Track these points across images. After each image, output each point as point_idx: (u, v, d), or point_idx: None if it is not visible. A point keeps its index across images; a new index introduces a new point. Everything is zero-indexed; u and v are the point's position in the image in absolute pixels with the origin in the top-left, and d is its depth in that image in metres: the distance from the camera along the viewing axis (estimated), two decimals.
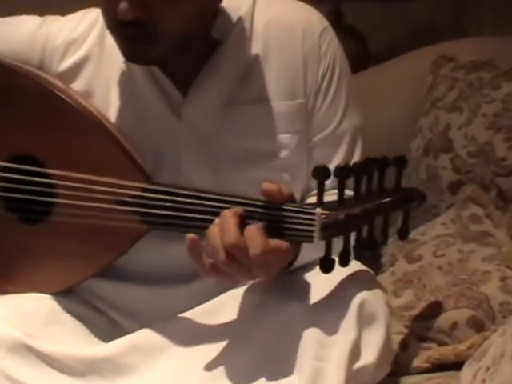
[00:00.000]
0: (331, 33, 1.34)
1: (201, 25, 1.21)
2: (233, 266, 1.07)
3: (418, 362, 1.34)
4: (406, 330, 1.37)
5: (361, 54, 2.40)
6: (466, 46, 1.85)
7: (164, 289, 1.29)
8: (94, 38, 1.31)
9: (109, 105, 1.29)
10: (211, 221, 1.10)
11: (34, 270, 1.28)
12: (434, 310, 1.37)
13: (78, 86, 1.30)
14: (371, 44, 2.46)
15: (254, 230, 1.06)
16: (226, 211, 1.08)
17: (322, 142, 1.33)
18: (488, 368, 1.06)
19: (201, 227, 1.12)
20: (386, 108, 1.89)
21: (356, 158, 1.34)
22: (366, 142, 1.81)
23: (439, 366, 1.33)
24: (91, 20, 1.32)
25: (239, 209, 1.08)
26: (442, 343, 1.35)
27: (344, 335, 1.13)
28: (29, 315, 1.22)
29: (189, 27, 1.17)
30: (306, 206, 1.09)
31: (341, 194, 1.09)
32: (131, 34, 1.15)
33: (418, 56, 1.92)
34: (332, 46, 1.33)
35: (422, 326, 1.37)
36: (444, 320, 1.35)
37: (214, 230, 1.08)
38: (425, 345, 1.35)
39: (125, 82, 1.29)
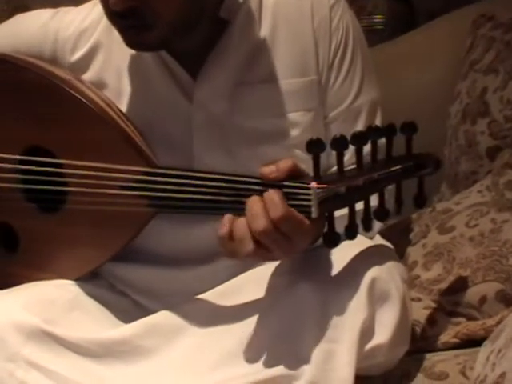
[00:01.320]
0: (343, 5, 1.32)
1: (195, 6, 1.20)
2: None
3: (447, 337, 1.31)
4: (434, 305, 1.35)
5: (407, 15, 2.35)
6: (507, 3, 1.78)
7: (185, 270, 1.32)
8: (104, 27, 1.33)
9: (121, 92, 1.31)
10: (214, 201, 1.12)
11: (56, 257, 1.32)
12: (463, 283, 1.34)
13: (89, 75, 1.33)
14: (419, 5, 2.40)
15: (274, 194, 1.07)
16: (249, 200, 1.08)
17: (338, 117, 1.32)
18: (500, 351, 1.03)
19: (205, 208, 1.14)
20: (427, 71, 1.86)
21: None
22: (405, 107, 1.79)
23: (468, 342, 1.30)
24: (101, 9, 1.33)
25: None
26: (471, 318, 1.33)
27: (354, 315, 1.12)
28: (49, 302, 1.25)
29: (182, 9, 1.17)
30: (302, 181, 1.08)
31: (340, 165, 1.08)
32: (125, 23, 1.18)
33: (459, 15, 1.87)
34: (344, 18, 1.31)
35: (450, 300, 1.35)
36: (472, 294, 1.33)
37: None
38: (453, 320, 1.33)
39: (135, 68, 1.31)
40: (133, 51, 1.29)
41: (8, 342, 1.19)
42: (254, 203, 1.08)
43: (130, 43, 1.21)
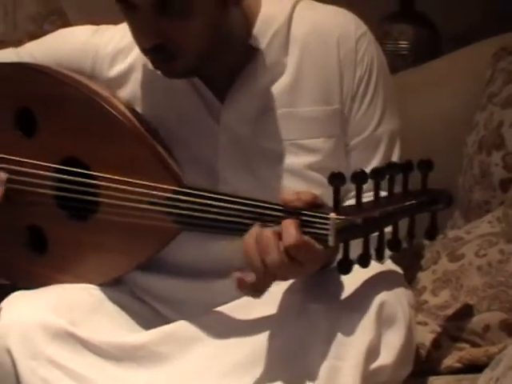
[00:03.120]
0: (369, 37, 1.39)
1: (218, 36, 1.29)
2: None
3: (450, 361, 1.38)
4: (439, 329, 1.42)
5: (432, 41, 2.41)
6: None
7: (204, 282, 1.40)
8: None
9: (153, 111, 1.40)
10: (236, 222, 1.20)
11: (82, 263, 1.41)
12: (469, 311, 1.41)
13: (124, 92, 1.42)
14: (443, 31, 2.47)
15: (289, 222, 1.14)
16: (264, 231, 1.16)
17: (359, 145, 1.39)
18: (497, 379, 1.10)
19: (227, 229, 1.22)
20: (448, 99, 1.91)
21: (394, 160, 1.39)
22: (425, 132, 1.85)
23: (470, 367, 1.37)
24: None
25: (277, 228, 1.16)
26: (474, 344, 1.39)
27: (362, 335, 1.19)
28: (75, 304, 1.34)
29: (204, 41, 1.27)
30: (321, 212, 1.16)
31: (358, 198, 1.16)
32: (154, 56, 1.29)
33: (481, 47, 1.93)
34: (369, 51, 1.38)
35: (455, 326, 1.41)
36: (477, 322, 1.39)
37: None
38: (457, 345, 1.40)
39: (167, 88, 1.39)
40: None
41: (33, 340, 1.27)
42: (266, 234, 1.15)
43: (162, 72, 1.32)
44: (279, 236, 1.15)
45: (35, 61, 1.47)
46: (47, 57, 1.47)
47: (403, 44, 2.41)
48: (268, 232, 1.15)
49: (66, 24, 2.88)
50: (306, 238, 1.14)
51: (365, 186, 1.17)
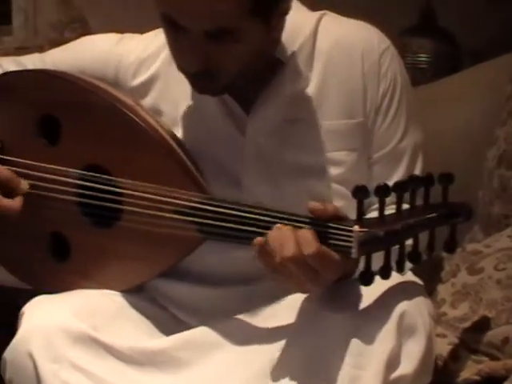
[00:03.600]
0: (392, 52, 1.41)
1: (259, 57, 1.32)
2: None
3: (468, 373, 1.39)
4: (458, 342, 1.43)
5: (452, 55, 2.43)
6: None
7: (224, 290, 1.41)
8: (164, 57, 1.43)
9: (176, 121, 1.42)
10: (260, 233, 1.22)
11: (105, 269, 1.42)
12: (488, 324, 1.42)
13: (147, 102, 1.44)
14: (463, 45, 2.48)
15: (307, 232, 1.17)
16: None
17: (382, 159, 1.41)
18: None
19: (251, 239, 1.22)
20: (466, 115, 1.93)
21: (417, 174, 1.39)
22: (446, 145, 1.87)
23: (488, 380, 1.38)
24: (163, 40, 1.42)
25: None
26: (493, 357, 1.40)
27: (382, 345, 1.21)
28: (97, 310, 1.36)
29: (246, 63, 1.29)
30: (345, 224, 1.18)
31: (381, 211, 1.18)
32: (195, 78, 1.31)
33: (501, 62, 1.95)
34: (393, 65, 1.40)
35: (474, 338, 1.42)
36: (496, 335, 1.41)
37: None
38: (476, 357, 1.41)
39: (192, 99, 1.41)
40: (187, 83, 1.37)
41: (55, 344, 1.28)
42: (285, 229, 1.18)
43: (199, 90, 1.34)
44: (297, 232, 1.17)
45: (59, 67, 1.48)
46: (71, 64, 1.49)
47: (422, 57, 2.43)
48: (286, 228, 1.18)
49: (87, 32, 2.91)
50: (324, 247, 1.16)
51: (387, 199, 1.19)
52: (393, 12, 2.46)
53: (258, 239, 1.19)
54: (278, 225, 1.20)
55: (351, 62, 1.38)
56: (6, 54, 2.83)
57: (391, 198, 1.21)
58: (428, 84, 2.12)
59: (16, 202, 1.39)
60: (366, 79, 1.38)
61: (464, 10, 2.50)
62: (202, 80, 1.31)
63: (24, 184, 1.41)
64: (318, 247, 1.16)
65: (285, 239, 1.17)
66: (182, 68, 1.32)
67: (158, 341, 1.35)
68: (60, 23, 2.94)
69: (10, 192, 1.40)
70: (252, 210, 1.25)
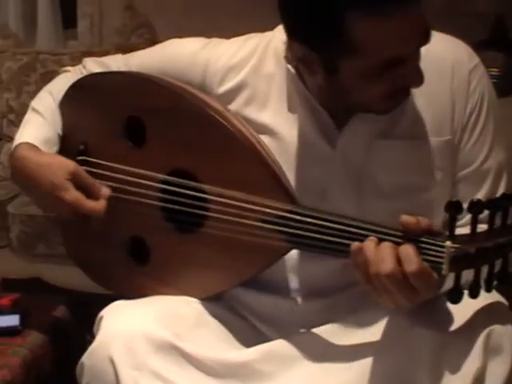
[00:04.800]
0: (481, 69, 1.41)
1: None
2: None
3: None
4: None
5: None
6: None
7: (304, 302, 1.42)
8: (252, 65, 1.43)
9: (262, 129, 1.41)
10: (348, 245, 1.22)
11: (185, 275, 1.44)
12: None
13: (233, 108, 1.43)
14: None
15: (409, 248, 1.17)
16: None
17: (466, 177, 1.40)
18: None
19: (340, 251, 1.24)
20: None
21: (500, 192, 1.39)
22: None
23: None
24: (252, 47, 1.44)
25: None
26: None
27: (468, 364, 1.22)
28: (178, 317, 1.37)
29: None
30: (438, 239, 1.18)
31: (473, 228, 1.18)
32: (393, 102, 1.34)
33: None
34: (481, 83, 1.39)
35: None
36: None
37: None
38: None
39: (281, 110, 1.41)
40: (277, 92, 1.40)
41: (137, 351, 1.30)
42: (384, 246, 1.18)
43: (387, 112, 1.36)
44: (397, 251, 1.17)
45: (144, 70, 1.49)
46: (157, 66, 1.49)
47: (494, 72, 2.42)
48: (387, 243, 1.18)
49: (154, 37, 2.98)
50: (426, 265, 1.16)
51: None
52: (464, 25, 2.46)
53: (356, 244, 1.20)
54: (371, 237, 1.20)
55: (440, 76, 1.38)
56: (73, 57, 2.91)
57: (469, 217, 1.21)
58: (500, 99, 2.11)
59: (100, 204, 1.42)
60: (454, 96, 1.38)
61: None
62: (394, 103, 1.33)
63: (106, 190, 1.43)
64: (420, 265, 1.16)
65: (384, 254, 1.18)
66: (376, 107, 1.33)
67: (240, 353, 1.36)
68: (125, 28, 2.99)
69: (91, 197, 1.42)
70: (343, 220, 1.25)
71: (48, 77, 2.49)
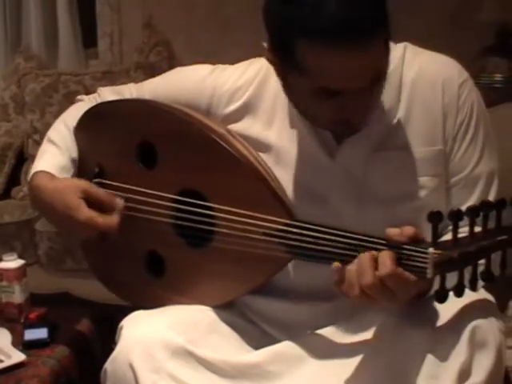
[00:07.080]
0: (470, 84, 1.53)
1: None
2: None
3: None
4: None
5: None
6: None
7: (309, 306, 1.55)
8: (256, 86, 1.57)
9: (266, 146, 1.55)
10: (341, 254, 1.36)
11: (198, 286, 1.57)
12: None
13: (238, 127, 1.57)
14: None
15: (386, 254, 1.30)
16: (362, 255, 1.33)
17: (458, 183, 1.52)
18: None
19: (334, 259, 1.36)
20: None
21: (491, 198, 1.50)
22: None
23: None
24: (255, 70, 1.58)
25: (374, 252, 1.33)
26: None
27: (455, 356, 1.34)
28: (192, 324, 1.49)
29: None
30: (421, 246, 1.31)
31: (454, 234, 1.31)
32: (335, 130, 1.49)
33: None
34: (470, 96, 1.52)
35: None
36: None
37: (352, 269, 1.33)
38: None
39: (284, 127, 1.54)
40: (278, 111, 1.54)
41: (155, 356, 1.42)
42: (364, 259, 1.32)
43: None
44: (375, 261, 1.30)
45: (155, 97, 1.62)
46: (166, 93, 1.62)
47: (498, 77, 2.50)
48: (366, 256, 1.31)
49: (172, 55, 3.04)
50: (400, 269, 1.29)
51: (461, 223, 1.31)
52: (469, 32, 2.57)
53: (336, 265, 1.33)
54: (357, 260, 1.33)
55: (433, 93, 1.50)
56: (94, 78, 3.04)
57: (465, 222, 1.32)
58: (504, 104, 2.20)
59: (113, 219, 1.52)
60: (445, 109, 1.50)
61: None
62: (340, 129, 1.46)
63: (119, 201, 1.54)
64: (392, 269, 1.28)
65: (364, 268, 1.30)
66: (323, 125, 1.46)
67: (250, 355, 1.48)
68: (145, 46, 3.07)
69: (107, 211, 1.53)
70: (335, 232, 1.38)
71: (70, 97, 2.66)
